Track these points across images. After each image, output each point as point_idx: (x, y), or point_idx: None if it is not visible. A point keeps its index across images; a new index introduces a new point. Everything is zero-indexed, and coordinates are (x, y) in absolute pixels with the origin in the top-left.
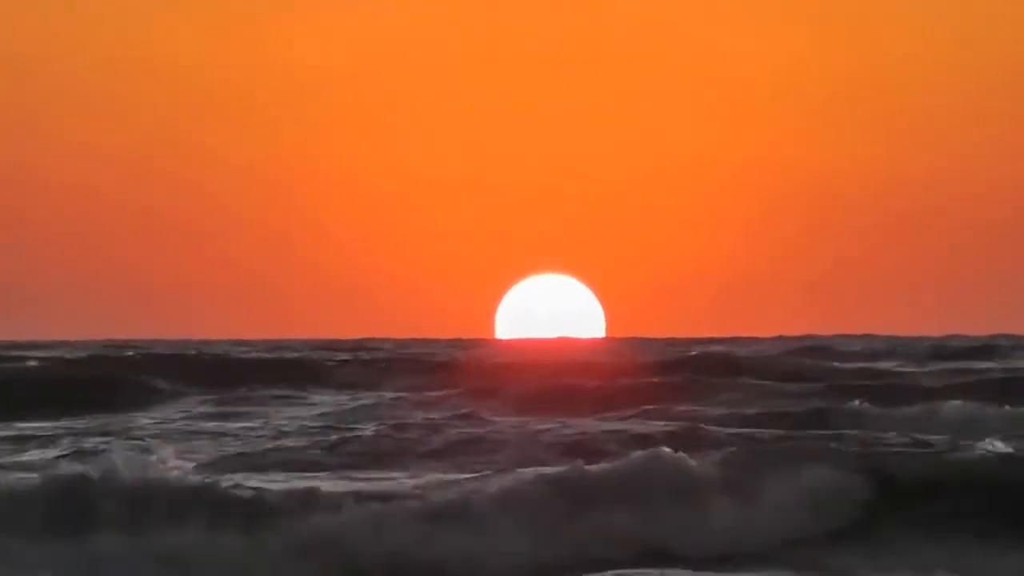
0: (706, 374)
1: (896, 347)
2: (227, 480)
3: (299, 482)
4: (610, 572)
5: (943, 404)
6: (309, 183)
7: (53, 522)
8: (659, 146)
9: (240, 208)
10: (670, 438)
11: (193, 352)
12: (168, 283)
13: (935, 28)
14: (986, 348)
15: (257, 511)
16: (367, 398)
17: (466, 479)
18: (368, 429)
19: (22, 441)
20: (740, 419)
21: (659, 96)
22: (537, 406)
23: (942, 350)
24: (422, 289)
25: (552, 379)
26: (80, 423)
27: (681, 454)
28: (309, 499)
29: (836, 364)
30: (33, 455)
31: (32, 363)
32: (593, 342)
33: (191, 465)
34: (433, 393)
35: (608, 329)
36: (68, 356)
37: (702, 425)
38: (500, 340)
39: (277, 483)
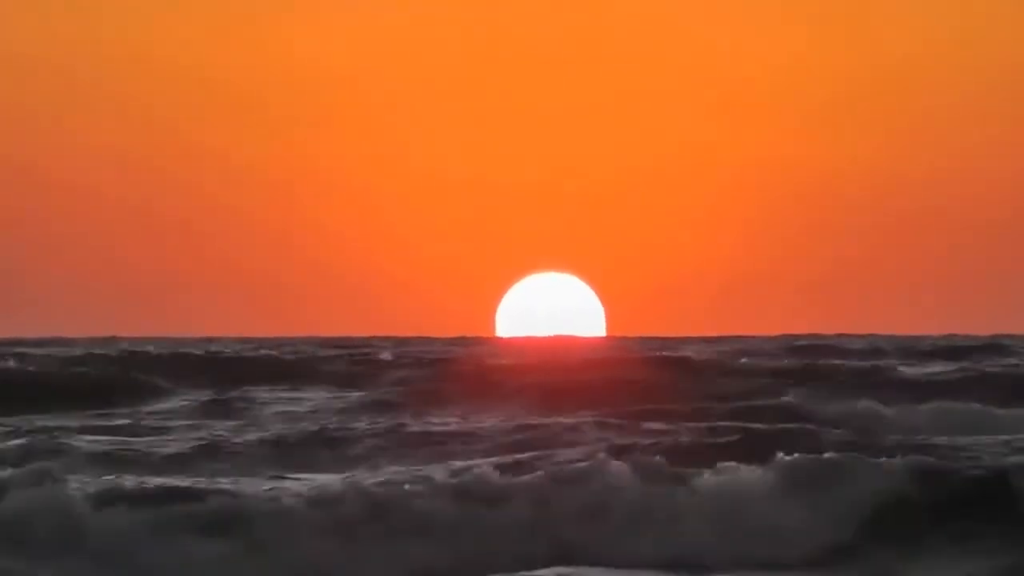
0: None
1: (893, 346)
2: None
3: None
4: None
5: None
6: (309, 182)
7: None
8: (660, 145)
9: (240, 207)
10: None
11: (181, 351)
12: (168, 281)
13: (935, 28)
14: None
15: None
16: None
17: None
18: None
19: None
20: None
21: (659, 96)
22: (484, 406)
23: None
24: (423, 287)
25: (512, 378)
26: (43, 421)
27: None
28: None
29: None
30: None
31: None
32: (591, 341)
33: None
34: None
35: (609, 328)
36: (62, 353)
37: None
38: (500, 338)
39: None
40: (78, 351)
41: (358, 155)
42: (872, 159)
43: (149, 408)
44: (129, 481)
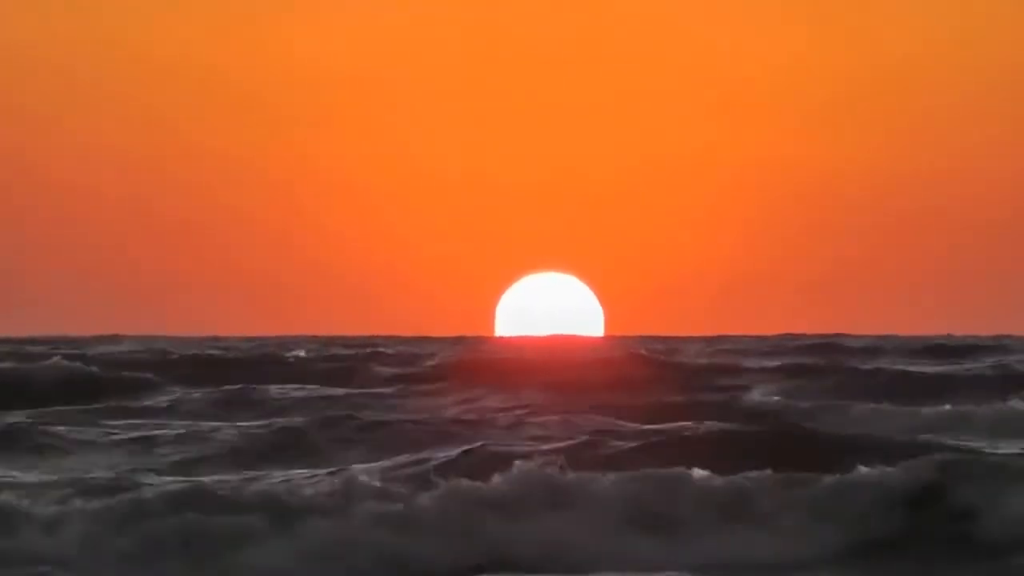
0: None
1: (892, 346)
2: None
3: None
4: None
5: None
6: (309, 181)
7: None
8: (659, 145)
9: (240, 206)
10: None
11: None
12: (167, 280)
13: (935, 28)
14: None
15: None
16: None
17: None
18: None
19: None
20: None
21: (659, 95)
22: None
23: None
24: (422, 286)
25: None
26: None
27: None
28: None
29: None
30: None
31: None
32: (587, 340)
33: None
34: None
35: (608, 328)
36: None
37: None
38: (499, 338)
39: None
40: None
41: (358, 155)
42: (871, 159)
43: None
44: None
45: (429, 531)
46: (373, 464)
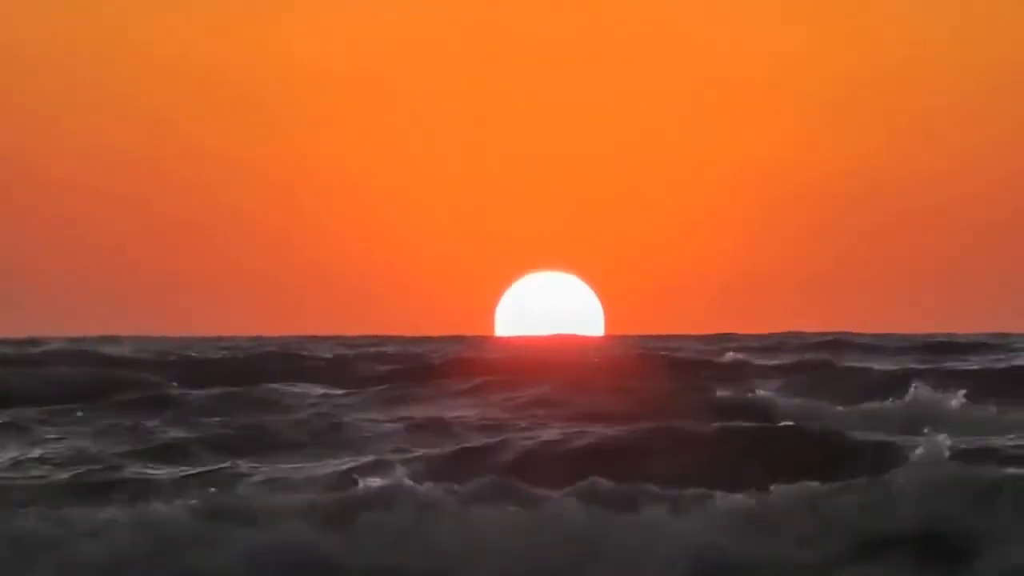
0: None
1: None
2: None
3: None
4: None
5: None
6: (309, 181)
7: None
8: (659, 144)
9: (240, 206)
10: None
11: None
12: (166, 280)
13: (934, 28)
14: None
15: None
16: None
17: None
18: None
19: None
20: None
21: (659, 95)
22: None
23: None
24: (422, 286)
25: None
26: None
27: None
28: None
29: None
30: None
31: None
32: (586, 340)
33: None
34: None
35: (608, 327)
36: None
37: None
38: (499, 337)
39: None
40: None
41: (358, 154)
42: (871, 159)
43: None
44: None
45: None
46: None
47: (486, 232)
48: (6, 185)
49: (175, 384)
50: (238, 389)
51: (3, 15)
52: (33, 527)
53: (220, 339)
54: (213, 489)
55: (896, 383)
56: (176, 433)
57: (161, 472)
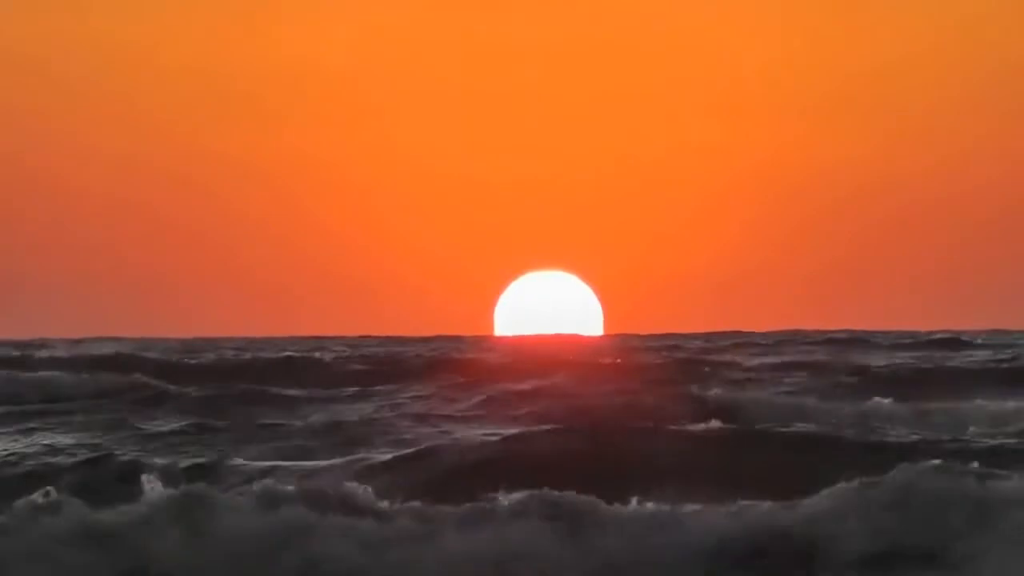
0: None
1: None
2: None
3: None
4: None
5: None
6: (307, 180)
7: None
8: (658, 143)
9: (238, 205)
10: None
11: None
12: (166, 280)
13: (932, 27)
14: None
15: None
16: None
17: None
18: None
19: None
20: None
21: (658, 93)
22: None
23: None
24: (421, 286)
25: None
26: None
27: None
28: None
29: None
30: None
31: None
32: (583, 339)
33: None
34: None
35: (607, 326)
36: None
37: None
38: (498, 337)
39: None
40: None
41: (358, 155)
42: (870, 157)
43: None
44: None
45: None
46: None
47: (485, 232)
48: (5, 185)
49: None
50: None
51: (3, 16)
52: None
53: (217, 341)
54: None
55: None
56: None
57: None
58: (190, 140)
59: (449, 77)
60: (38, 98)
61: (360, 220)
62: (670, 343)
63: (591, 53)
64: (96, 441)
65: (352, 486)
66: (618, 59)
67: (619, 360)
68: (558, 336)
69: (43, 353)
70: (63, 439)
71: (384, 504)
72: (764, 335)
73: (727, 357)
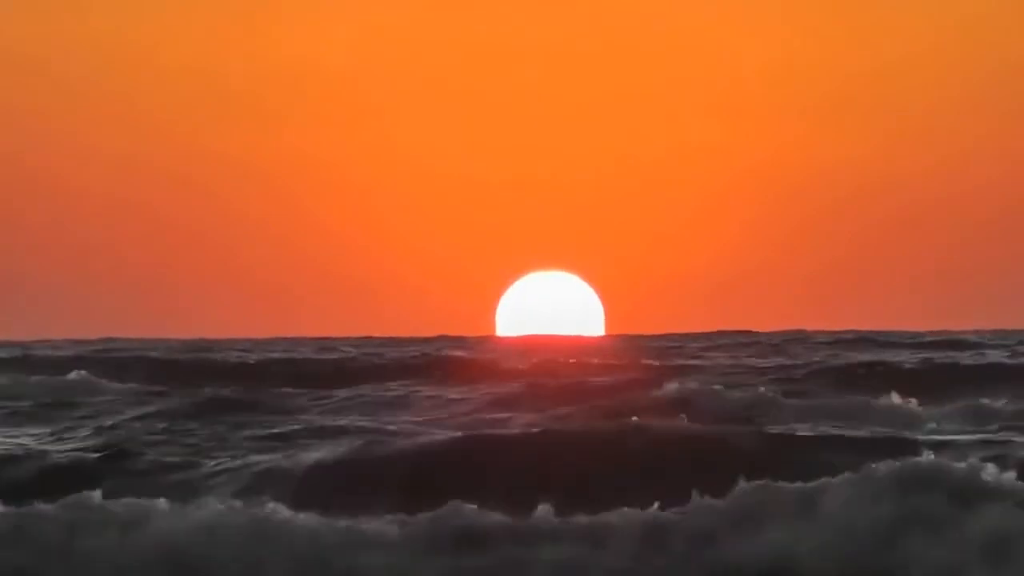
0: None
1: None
2: None
3: None
4: None
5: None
6: (307, 180)
7: None
8: (658, 143)
9: (238, 205)
10: None
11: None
12: (166, 280)
13: (932, 27)
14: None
15: None
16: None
17: None
18: None
19: None
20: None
21: (659, 93)
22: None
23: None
24: (422, 286)
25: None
26: None
27: None
28: None
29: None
30: None
31: None
32: (582, 340)
33: None
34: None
35: (608, 326)
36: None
37: None
38: (499, 337)
39: None
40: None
41: (357, 152)
42: (870, 157)
43: None
44: None
45: None
46: None
47: (486, 232)
48: (5, 185)
49: None
50: None
51: (3, 16)
52: None
53: (215, 342)
54: None
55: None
56: None
57: None
58: (190, 140)
59: (449, 77)
60: (38, 98)
61: (360, 220)
62: (666, 344)
63: (591, 53)
64: None
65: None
66: (618, 59)
67: (596, 361)
68: (558, 337)
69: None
70: None
71: None
72: (768, 335)
73: (713, 357)
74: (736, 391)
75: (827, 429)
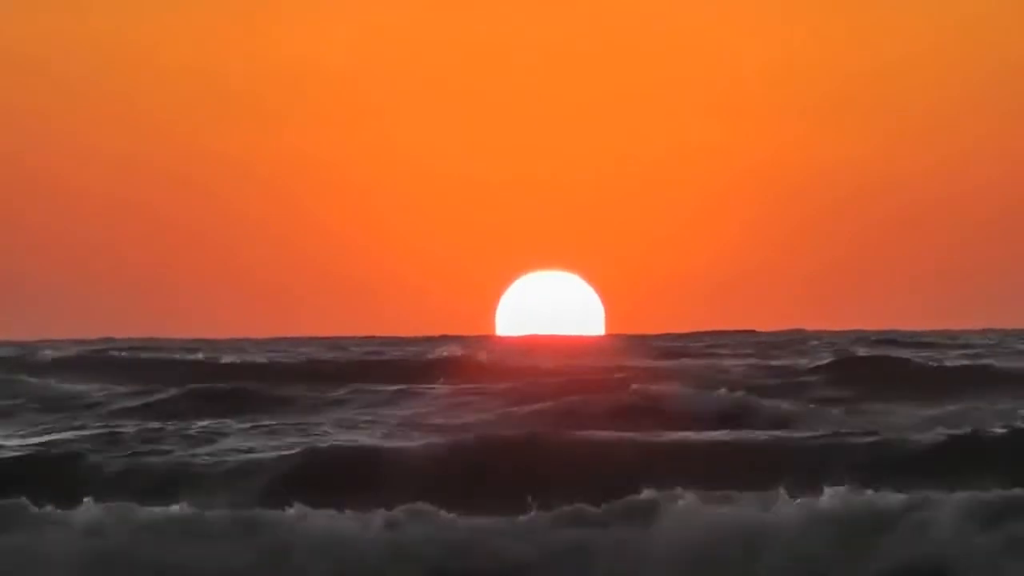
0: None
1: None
2: None
3: None
4: None
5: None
6: (307, 180)
7: None
8: (660, 142)
9: (238, 205)
10: None
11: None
12: (166, 280)
13: (932, 26)
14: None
15: None
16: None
17: None
18: None
19: None
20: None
21: (660, 93)
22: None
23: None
24: (422, 286)
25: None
26: None
27: None
28: None
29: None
30: None
31: None
32: (581, 339)
33: None
34: None
35: (608, 326)
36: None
37: None
38: (500, 337)
39: None
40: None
41: (357, 152)
42: (870, 157)
43: None
44: None
45: None
46: None
47: (486, 232)
48: (5, 185)
49: None
50: None
51: (3, 16)
52: None
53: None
54: None
55: None
56: None
57: None
58: (190, 140)
59: (449, 77)
60: (38, 98)
61: (360, 220)
62: (665, 344)
63: (591, 53)
64: None
65: None
66: (618, 59)
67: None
68: (557, 336)
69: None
70: None
71: None
72: (769, 334)
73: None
74: (704, 394)
75: (752, 434)
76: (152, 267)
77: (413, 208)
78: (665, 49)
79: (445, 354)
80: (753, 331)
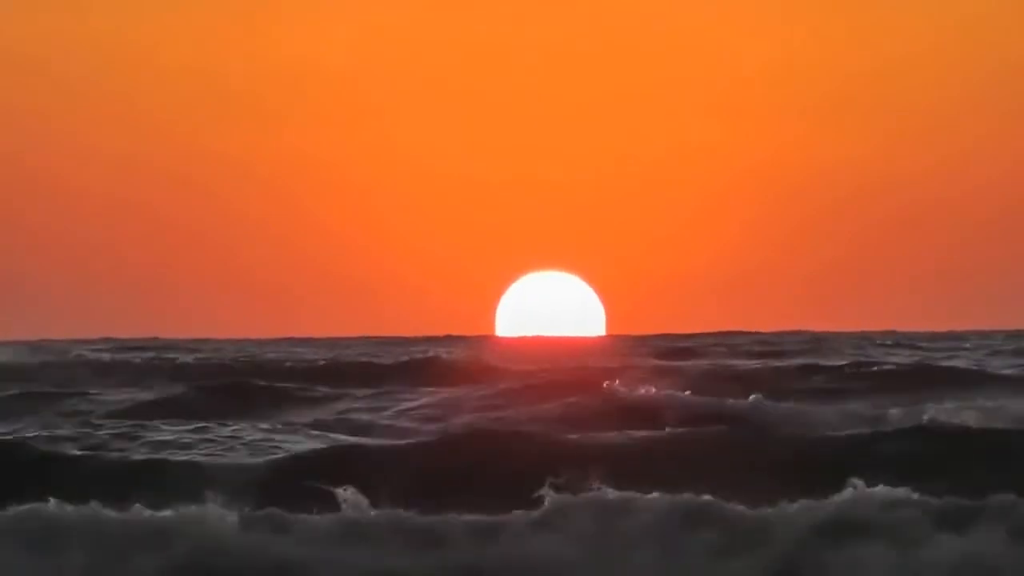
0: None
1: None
2: None
3: None
4: None
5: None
6: (307, 180)
7: None
8: (661, 142)
9: (238, 205)
10: None
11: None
12: (166, 280)
13: (932, 26)
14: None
15: None
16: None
17: None
18: None
19: None
20: None
21: (660, 93)
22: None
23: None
24: (422, 286)
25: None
26: None
27: None
28: None
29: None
30: None
31: None
32: (580, 340)
33: None
34: None
35: (609, 326)
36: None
37: None
38: (500, 337)
39: None
40: None
41: (357, 152)
42: (870, 157)
43: None
44: None
45: None
46: None
47: (486, 232)
48: (5, 185)
49: None
50: None
51: (3, 16)
52: None
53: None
54: None
55: None
56: None
57: None
58: (190, 140)
59: (449, 77)
60: (38, 98)
61: (360, 220)
62: (664, 344)
63: (591, 53)
64: None
65: None
66: (618, 59)
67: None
68: (557, 337)
69: None
70: None
71: None
72: (769, 335)
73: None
74: (689, 396)
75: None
76: (152, 267)
77: (413, 208)
78: (665, 49)
79: (420, 356)
80: (759, 332)
